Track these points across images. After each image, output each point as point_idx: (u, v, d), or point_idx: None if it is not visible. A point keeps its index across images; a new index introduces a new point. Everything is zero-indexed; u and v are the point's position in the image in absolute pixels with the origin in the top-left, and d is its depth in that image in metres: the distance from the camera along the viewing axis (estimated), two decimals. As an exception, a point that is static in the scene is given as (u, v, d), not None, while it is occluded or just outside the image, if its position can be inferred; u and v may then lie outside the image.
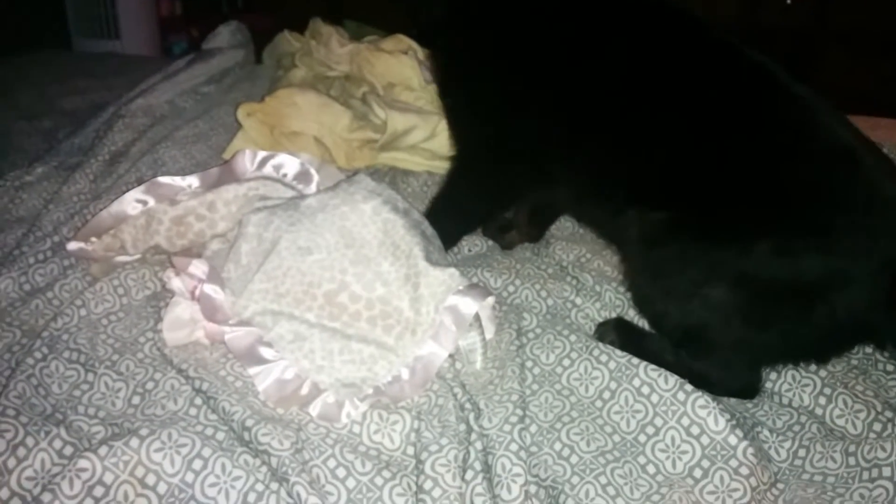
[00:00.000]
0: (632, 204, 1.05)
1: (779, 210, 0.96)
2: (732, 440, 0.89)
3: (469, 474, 0.84)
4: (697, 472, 0.89)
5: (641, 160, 1.05)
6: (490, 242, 1.32)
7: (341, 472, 0.85)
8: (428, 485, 0.82)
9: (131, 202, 1.17)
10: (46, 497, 0.78)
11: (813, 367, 1.03)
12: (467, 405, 0.94)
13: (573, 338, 1.04)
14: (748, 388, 1.03)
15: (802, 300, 0.95)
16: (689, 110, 1.03)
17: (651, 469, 0.90)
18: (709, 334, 1.00)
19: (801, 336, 0.98)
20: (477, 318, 1.03)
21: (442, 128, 1.51)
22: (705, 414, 0.91)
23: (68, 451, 0.84)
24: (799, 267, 0.94)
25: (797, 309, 0.96)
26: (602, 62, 1.08)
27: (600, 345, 1.02)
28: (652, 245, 1.03)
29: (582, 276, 1.21)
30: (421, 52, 1.66)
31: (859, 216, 0.95)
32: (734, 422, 0.91)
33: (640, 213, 1.04)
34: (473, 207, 1.27)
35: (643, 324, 1.12)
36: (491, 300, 1.06)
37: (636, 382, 0.96)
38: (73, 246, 1.13)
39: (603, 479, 0.89)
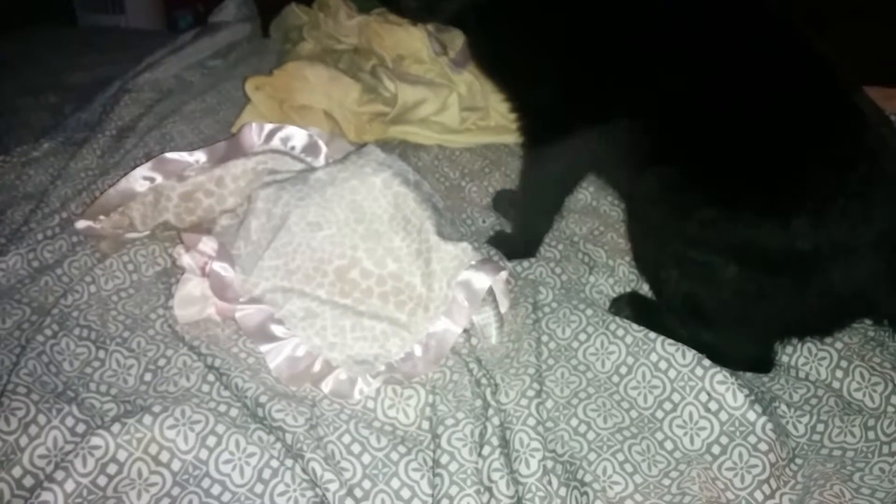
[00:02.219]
0: (650, 162, 1.02)
1: (776, 177, 0.93)
2: (751, 416, 0.88)
3: (486, 450, 0.83)
4: (716, 449, 0.88)
5: (659, 119, 1.02)
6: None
7: (356, 448, 0.84)
8: (444, 459, 0.82)
9: (139, 179, 1.16)
10: (60, 475, 0.77)
11: (829, 339, 1.01)
12: (483, 380, 0.93)
13: (589, 312, 1.02)
14: (760, 362, 1.02)
15: (798, 271, 0.93)
16: (710, 71, 0.99)
17: (669, 445, 0.89)
18: (704, 303, 0.99)
19: (798, 308, 0.96)
20: (491, 292, 1.02)
21: (452, 101, 1.49)
22: (724, 389, 0.90)
23: (81, 428, 0.84)
24: (794, 236, 0.91)
25: (793, 280, 0.94)
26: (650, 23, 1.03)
27: (616, 319, 1.00)
28: (655, 203, 1.01)
29: (595, 250, 1.20)
30: (430, 24, 1.63)
31: (859, 186, 0.92)
32: (753, 397, 0.90)
33: (654, 172, 1.01)
34: (559, 177, 1.21)
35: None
36: (504, 274, 1.05)
37: (653, 357, 0.95)
38: (81, 224, 1.12)
39: (620, 456, 0.88)
